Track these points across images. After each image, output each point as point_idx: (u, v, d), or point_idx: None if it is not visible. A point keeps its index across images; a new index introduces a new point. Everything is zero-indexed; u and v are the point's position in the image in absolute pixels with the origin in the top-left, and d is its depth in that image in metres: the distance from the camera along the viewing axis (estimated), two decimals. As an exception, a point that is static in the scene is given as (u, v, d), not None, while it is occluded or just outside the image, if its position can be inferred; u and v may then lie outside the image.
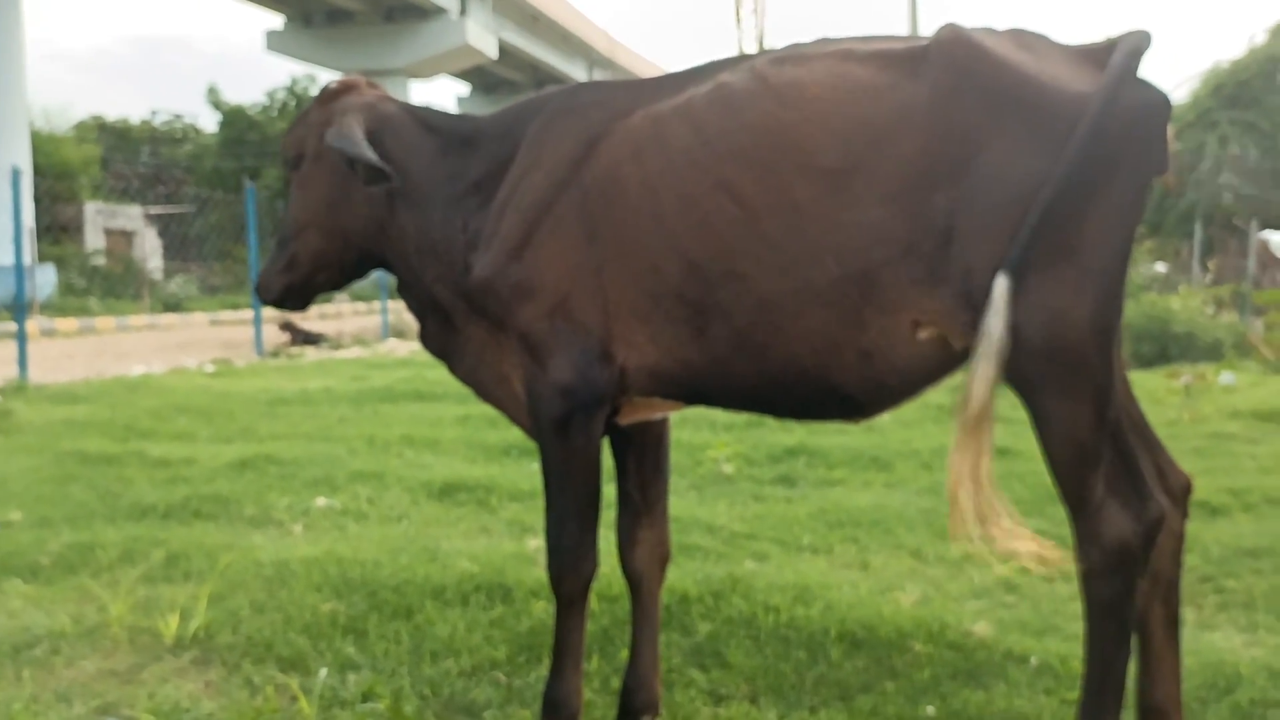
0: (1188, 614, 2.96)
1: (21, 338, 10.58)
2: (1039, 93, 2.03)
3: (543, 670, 3.04)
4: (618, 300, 2.36)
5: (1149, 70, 2.09)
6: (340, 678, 3.01)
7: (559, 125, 2.47)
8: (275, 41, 40.69)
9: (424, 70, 41.58)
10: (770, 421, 7.55)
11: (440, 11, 38.79)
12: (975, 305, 2.03)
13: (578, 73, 52.38)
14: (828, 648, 3.13)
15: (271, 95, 43.20)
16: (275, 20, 40.62)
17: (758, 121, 2.21)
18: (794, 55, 2.28)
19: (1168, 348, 10.85)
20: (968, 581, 3.85)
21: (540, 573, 3.88)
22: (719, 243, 2.24)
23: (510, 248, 2.44)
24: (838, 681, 2.95)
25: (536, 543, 4.35)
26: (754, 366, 2.29)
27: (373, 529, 4.67)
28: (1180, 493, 2.37)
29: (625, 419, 2.62)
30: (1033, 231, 1.97)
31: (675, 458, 6.16)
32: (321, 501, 5.16)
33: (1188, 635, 2.57)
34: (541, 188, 2.42)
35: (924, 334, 2.15)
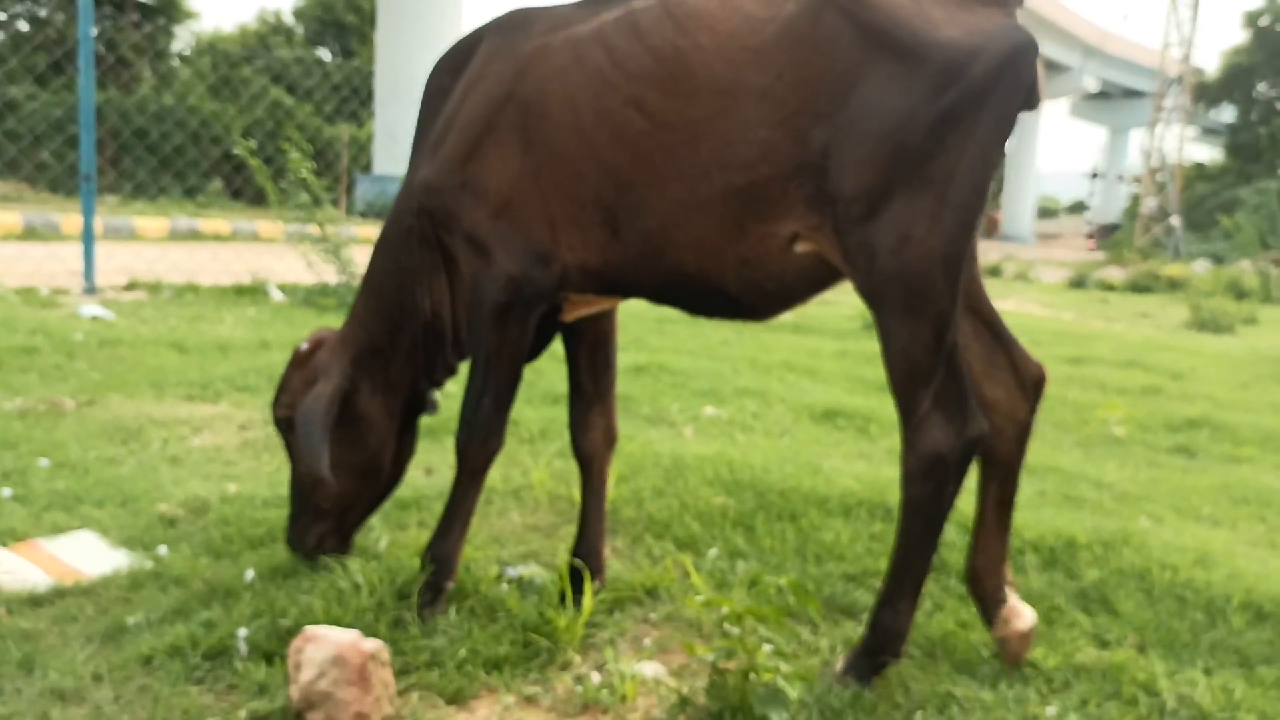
0: None
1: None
2: (911, 34, 2.19)
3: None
4: (554, 204, 2.56)
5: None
6: (729, 563, 3.25)
7: (495, 46, 2.69)
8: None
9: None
10: (1169, 390, 7.08)
11: None
12: (841, 230, 2.25)
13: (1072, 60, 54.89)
14: (1229, 614, 2.97)
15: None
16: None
17: (660, 46, 2.43)
18: None
19: None
20: (1400, 579, 3.48)
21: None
22: (629, 152, 2.45)
23: (457, 158, 2.65)
24: (1237, 648, 2.80)
25: (916, 472, 4.41)
26: (655, 266, 2.52)
27: (758, 439, 4.92)
28: (1032, 384, 2.57)
29: (570, 315, 2.85)
30: (893, 160, 2.18)
31: (1061, 414, 6.01)
32: (710, 410, 5.50)
33: None
34: (483, 103, 2.64)
35: (801, 247, 2.37)
